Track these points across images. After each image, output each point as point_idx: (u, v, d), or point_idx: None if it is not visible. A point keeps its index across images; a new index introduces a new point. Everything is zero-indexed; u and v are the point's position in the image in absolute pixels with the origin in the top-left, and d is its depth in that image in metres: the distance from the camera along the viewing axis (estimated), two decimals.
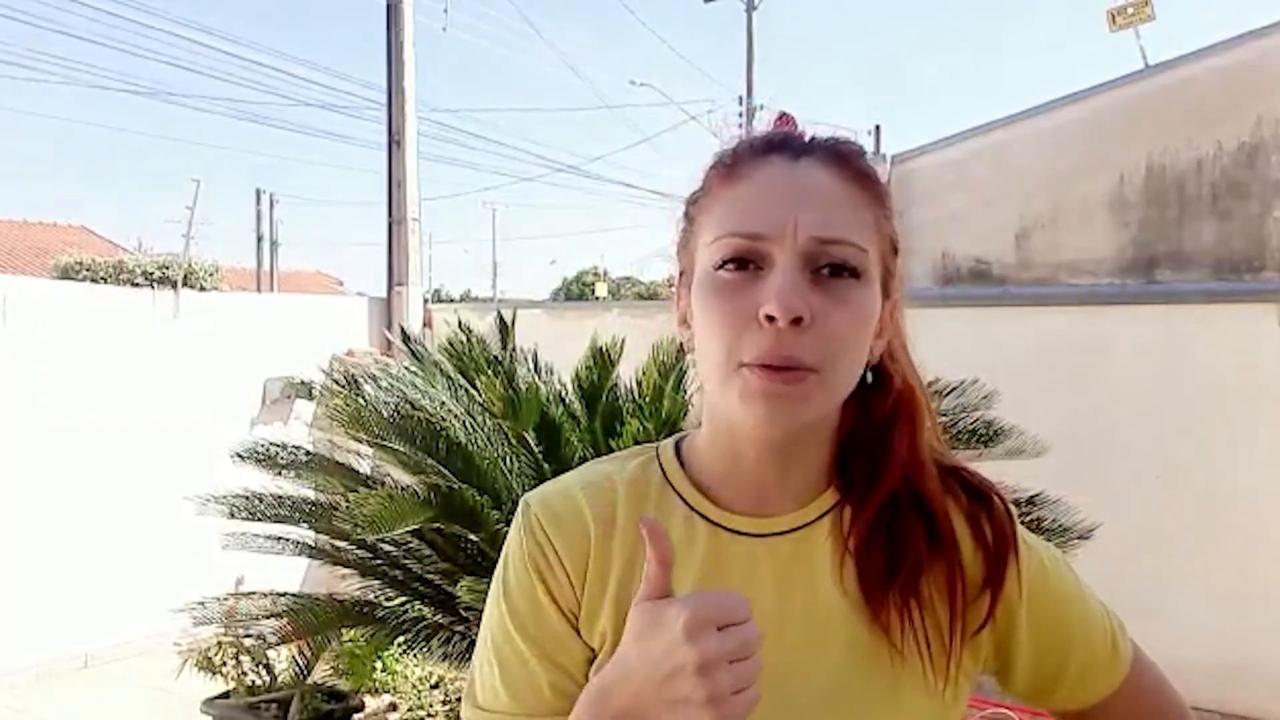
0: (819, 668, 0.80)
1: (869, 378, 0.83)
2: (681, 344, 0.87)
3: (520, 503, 0.90)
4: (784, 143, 0.81)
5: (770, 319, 0.73)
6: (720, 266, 0.77)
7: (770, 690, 0.78)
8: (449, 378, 3.24)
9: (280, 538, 3.21)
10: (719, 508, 0.84)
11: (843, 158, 0.80)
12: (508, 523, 0.92)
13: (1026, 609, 0.84)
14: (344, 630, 3.31)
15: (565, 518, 0.85)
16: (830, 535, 0.83)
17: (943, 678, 0.80)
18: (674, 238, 0.88)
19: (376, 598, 3.12)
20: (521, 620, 0.85)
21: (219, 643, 3.64)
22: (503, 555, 0.89)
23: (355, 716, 3.92)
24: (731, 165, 0.81)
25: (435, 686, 4.35)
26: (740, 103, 17.56)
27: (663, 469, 0.88)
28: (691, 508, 0.85)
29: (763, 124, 0.86)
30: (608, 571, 0.83)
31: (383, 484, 3.05)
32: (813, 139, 0.82)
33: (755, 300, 0.75)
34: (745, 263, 0.77)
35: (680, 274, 0.86)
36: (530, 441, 2.88)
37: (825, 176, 0.79)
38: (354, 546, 3.16)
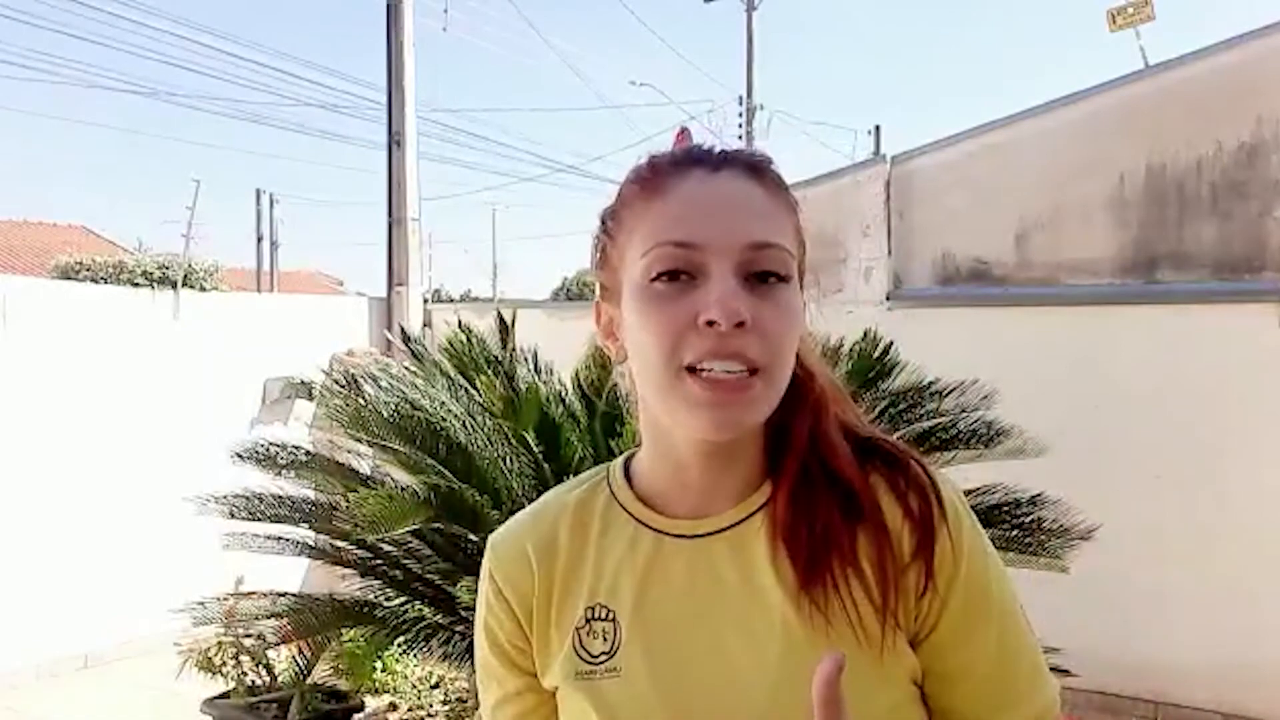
0: (762, 660, 0.80)
1: None
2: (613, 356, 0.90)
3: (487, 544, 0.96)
4: (702, 156, 0.84)
5: (711, 324, 0.76)
6: (655, 278, 0.79)
7: (720, 684, 0.81)
8: (449, 378, 3.24)
9: (280, 538, 3.21)
10: (662, 516, 0.87)
11: (758, 169, 0.84)
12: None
13: (964, 582, 0.81)
14: (344, 630, 3.31)
15: (511, 565, 0.91)
16: (765, 526, 0.84)
17: (876, 649, 0.79)
18: (591, 253, 0.91)
19: (376, 598, 3.12)
20: (485, 654, 0.93)
21: (219, 643, 3.64)
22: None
23: (355, 716, 3.92)
24: (651, 179, 0.83)
25: (435, 686, 4.36)
26: (740, 103, 17.56)
27: (610, 487, 0.91)
28: (636, 519, 0.88)
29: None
30: (550, 599, 0.88)
31: (383, 484, 3.05)
32: (725, 152, 0.85)
33: (692, 309, 0.77)
34: (677, 274, 0.79)
35: (600, 288, 0.89)
36: (530, 441, 2.88)
37: (747, 186, 0.82)
38: (354, 546, 3.16)
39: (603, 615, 0.85)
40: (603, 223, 0.88)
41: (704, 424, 0.78)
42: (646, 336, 0.79)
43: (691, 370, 0.77)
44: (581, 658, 0.85)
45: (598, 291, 0.89)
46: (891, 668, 0.80)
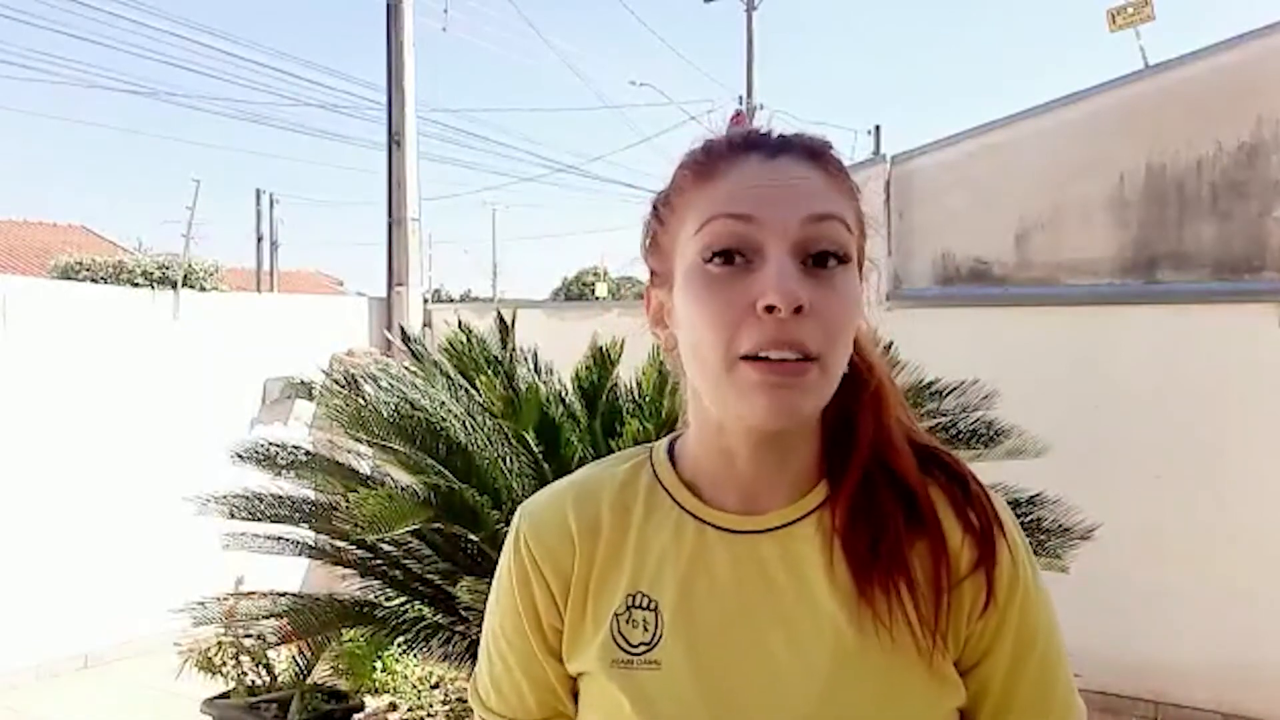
0: (809, 667, 0.79)
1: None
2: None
3: (517, 511, 0.91)
4: (759, 140, 0.81)
5: (769, 309, 0.72)
6: (710, 259, 0.76)
7: (764, 687, 0.78)
8: (449, 378, 3.24)
9: (280, 538, 3.21)
10: (709, 506, 0.84)
11: (817, 154, 0.81)
12: (507, 522, 0.94)
13: (1019, 606, 0.81)
14: (344, 630, 3.31)
15: (552, 537, 0.86)
16: (819, 529, 0.82)
17: (926, 668, 0.78)
18: (641, 238, 0.87)
19: (376, 598, 3.12)
20: (506, 630, 0.89)
21: (219, 643, 3.64)
22: (500, 559, 0.91)
23: (355, 716, 3.92)
24: (706, 164, 0.80)
25: (435, 686, 4.35)
26: (740, 102, 17.54)
27: (654, 469, 0.88)
28: (681, 506, 0.85)
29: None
30: (589, 581, 0.85)
31: (383, 484, 3.05)
32: (783, 136, 0.82)
33: (749, 293, 0.74)
34: (732, 256, 0.76)
35: (651, 274, 0.86)
36: (530, 441, 2.88)
37: (805, 169, 0.79)
38: (354, 546, 3.16)
39: (644, 604, 0.82)
40: (654, 208, 0.85)
41: (757, 411, 0.75)
42: (701, 324, 0.76)
43: (746, 359, 0.74)
44: (620, 646, 0.82)
45: (648, 278, 0.86)
46: (938, 689, 0.79)
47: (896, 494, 0.82)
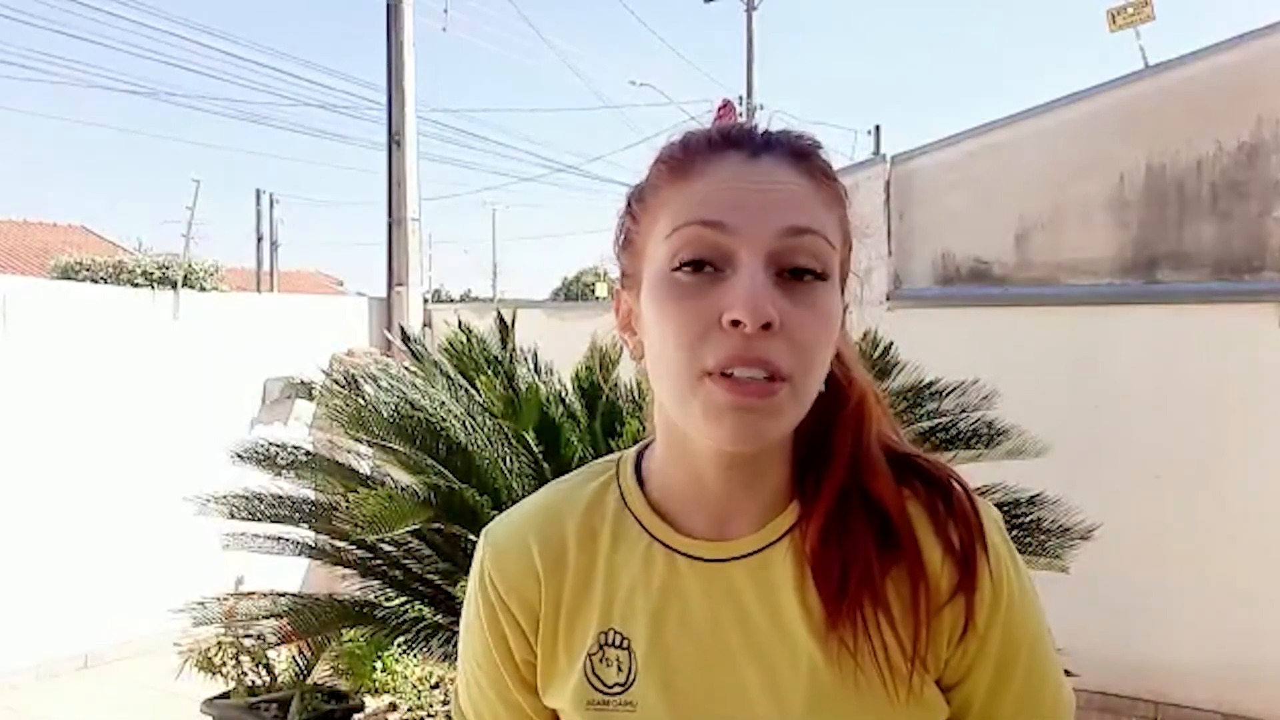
0: (785, 706, 0.75)
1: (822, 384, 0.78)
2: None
3: (481, 535, 0.88)
4: (741, 138, 0.76)
5: (736, 324, 0.68)
6: (678, 267, 0.72)
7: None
8: (449, 378, 3.24)
9: (280, 538, 3.21)
10: (677, 532, 0.80)
11: (803, 155, 0.76)
12: None
13: (1002, 624, 0.77)
14: (344, 630, 3.31)
15: (516, 570, 0.83)
16: (791, 553, 0.78)
17: (904, 696, 0.74)
18: (613, 234, 0.82)
19: (376, 598, 3.12)
20: (479, 658, 0.86)
21: (219, 643, 3.64)
22: (468, 585, 0.88)
23: (355, 716, 3.92)
24: (683, 160, 0.75)
25: (435, 686, 4.35)
26: (740, 102, 17.53)
27: (621, 490, 0.84)
28: (649, 533, 0.81)
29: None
30: (558, 616, 0.82)
31: (383, 484, 3.05)
32: (768, 134, 0.77)
33: (717, 305, 0.69)
34: (703, 264, 0.71)
35: (621, 275, 0.81)
36: (530, 441, 2.88)
37: (788, 173, 0.74)
38: (354, 546, 3.16)
39: (617, 643, 0.79)
40: (628, 203, 0.80)
41: (722, 434, 0.71)
42: (665, 335, 0.72)
43: (712, 375, 0.70)
44: (594, 687, 0.79)
45: (618, 279, 0.82)
46: (921, 713, 0.76)
47: (871, 515, 0.78)
